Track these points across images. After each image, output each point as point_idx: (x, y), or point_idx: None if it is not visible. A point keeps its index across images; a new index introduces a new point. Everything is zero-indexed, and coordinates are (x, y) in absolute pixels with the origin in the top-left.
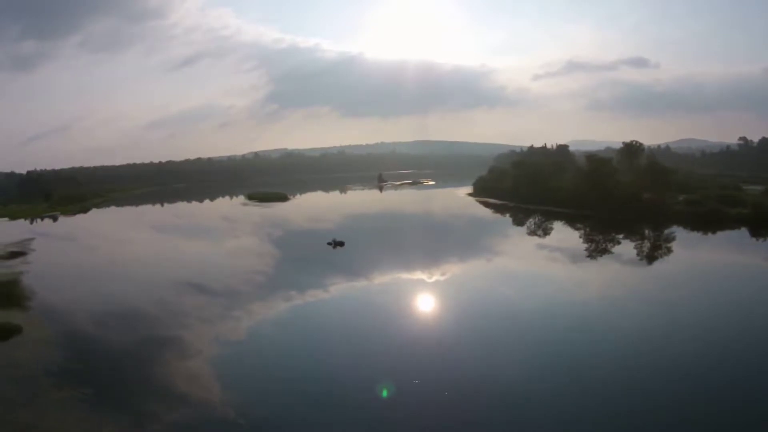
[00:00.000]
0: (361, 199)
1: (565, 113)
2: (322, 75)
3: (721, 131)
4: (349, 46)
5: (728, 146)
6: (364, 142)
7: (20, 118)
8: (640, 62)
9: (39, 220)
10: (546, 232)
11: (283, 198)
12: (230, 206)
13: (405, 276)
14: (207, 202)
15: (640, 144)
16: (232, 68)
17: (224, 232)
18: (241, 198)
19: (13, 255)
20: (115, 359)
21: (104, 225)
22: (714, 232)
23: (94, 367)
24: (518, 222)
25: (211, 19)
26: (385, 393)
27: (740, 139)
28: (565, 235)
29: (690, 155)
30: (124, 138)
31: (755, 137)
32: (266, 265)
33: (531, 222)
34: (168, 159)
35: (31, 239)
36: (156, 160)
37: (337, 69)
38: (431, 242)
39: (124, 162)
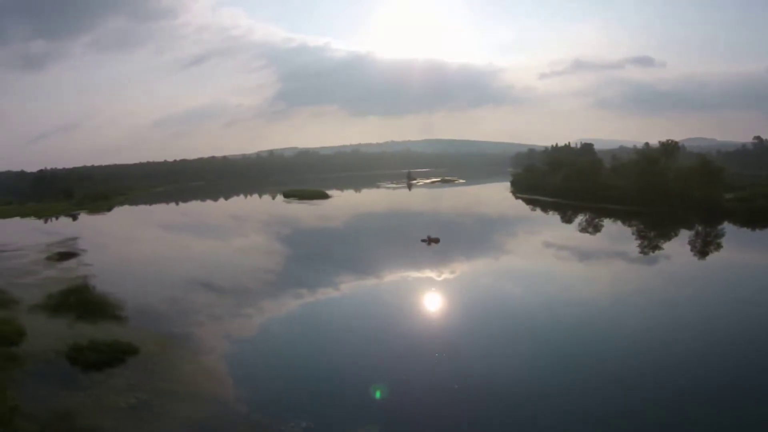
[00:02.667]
0: (402, 197)
1: (571, 112)
2: (330, 74)
3: (726, 130)
4: (358, 45)
5: (743, 145)
6: (374, 141)
7: (27, 117)
8: (645, 61)
9: (53, 219)
10: (641, 233)
11: (323, 195)
12: (272, 204)
13: (535, 268)
14: (241, 199)
15: (676, 143)
16: (241, 67)
17: (302, 232)
18: (278, 196)
19: (64, 256)
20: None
21: (146, 222)
22: None
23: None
24: (590, 220)
25: (222, 18)
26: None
27: (755, 138)
28: (654, 234)
29: (705, 154)
30: (131, 136)
31: (759, 136)
32: (401, 263)
33: (607, 221)
34: (173, 157)
35: (74, 238)
36: (161, 159)
37: (346, 68)
38: (520, 239)
39: (129, 160)
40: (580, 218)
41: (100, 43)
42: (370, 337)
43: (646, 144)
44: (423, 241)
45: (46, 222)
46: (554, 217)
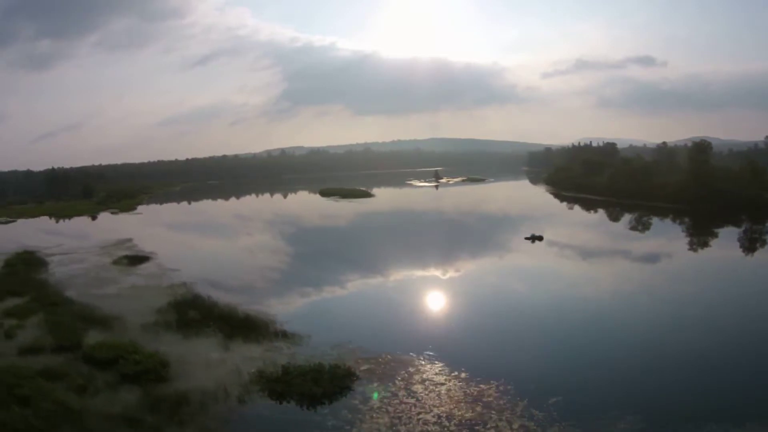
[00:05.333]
0: (445, 195)
1: (574, 111)
2: (336, 73)
3: (730, 129)
4: (363, 44)
5: (756, 144)
6: (380, 140)
7: (33, 117)
8: (647, 61)
9: (66, 219)
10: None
11: (366, 194)
12: (319, 202)
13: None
14: (278, 197)
15: (709, 143)
16: (247, 67)
17: (379, 232)
18: (315, 194)
19: (134, 260)
20: None
21: (192, 221)
22: None
23: None
24: (655, 219)
25: (229, 18)
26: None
27: (767, 137)
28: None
29: (717, 153)
30: (136, 136)
31: (762, 135)
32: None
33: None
34: (178, 156)
35: (128, 239)
36: (166, 158)
37: (351, 67)
38: (620, 236)
39: (134, 159)
40: (647, 217)
41: (107, 42)
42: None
43: (664, 143)
44: (527, 239)
45: (57, 222)
46: (615, 213)
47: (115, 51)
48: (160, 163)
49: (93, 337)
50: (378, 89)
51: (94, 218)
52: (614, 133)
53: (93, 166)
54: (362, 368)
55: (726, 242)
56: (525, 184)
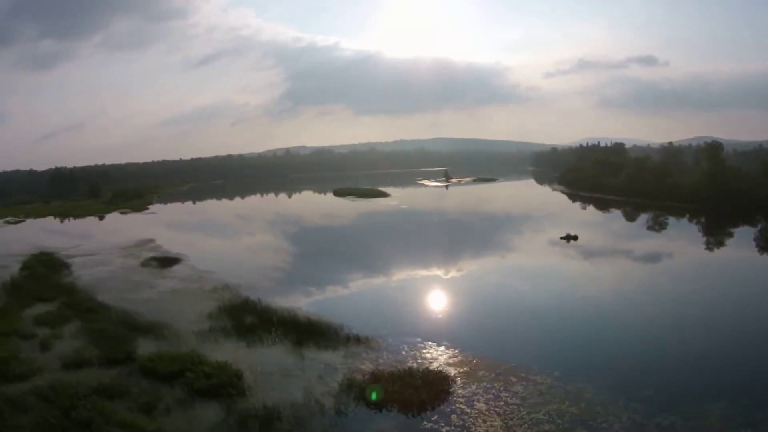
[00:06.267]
0: (460, 195)
1: (576, 110)
2: (338, 73)
3: (732, 129)
4: (367, 44)
5: (761, 144)
6: (383, 140)
7: (35, 117)
8: (649, 60)
9: (78, 218)
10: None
11: (381, 194)
12: (334, 202)
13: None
14: (295, 197)
15: (721, 144)
16: (250, 67)
17: (418, 231)
18: (328, 194)
19: (164, 262)
20: None
21: (211, 221)
22: None
23: None
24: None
25: (233, 18)
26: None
27: None
28: None
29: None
30: (138, 135)
31: (763, 135)
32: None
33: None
34: (179, 156)
35: (150, 240)
36: (167, 157)
37: (354, 67)
38: (649, 234)
39: (136, 159)
40: (673, 217)
41: (110, 42)
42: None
43: (670, 143)
44: (562, 238)
45: (62, 222)
46: (638, 213)
47: (118, 51)
48: (164, 162)
49: (145, 348)
50: (380, 89)
51: (101, 218)
52: (616, 132)
53: (97, 166)
54: (452, 371)
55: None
56: (535, 183)
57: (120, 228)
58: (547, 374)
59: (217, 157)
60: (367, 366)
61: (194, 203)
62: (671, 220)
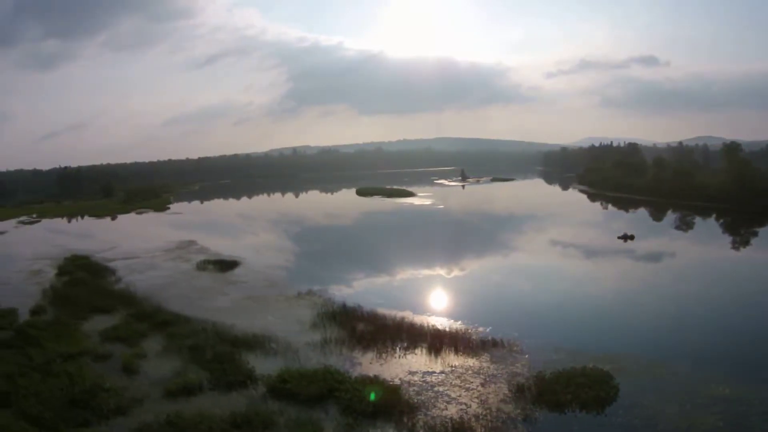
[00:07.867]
0: (485, 194)
1: (578, 110)
2: (342, 73)
3: (734, 129)
4: (370, 44)
5: (767, 145)
6: (386, 139)
7: (38, 116)
8: (650, 60)
9: (79, 218)
10: None
11: (408, 193)
12: (361, 202)
13: None
14: (315, 196)
15: (739, 144)
16: (254, 66)
17: (474, 229)
18: (350, 193)
19: (222, 266)
20: None
21: (240, 221)
22: None
23: None
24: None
25: (237, 18)
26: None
27: None
28: None
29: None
30: (140, 135)
31: (764, 135)
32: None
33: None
34: (182, 156)
35: (192, 242)
36: (169, 157)
37: (357, 67)
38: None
39: (138, 158)
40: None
41: (114, 42)
42: None
43: (680, 143)
44: (620, 238)
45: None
46: (672, 213)
47: (123, 51)
48: (170, 162)
49: (260, 366)
50: (383, 89)
51: (113, 218)
52: (618, 132)
53: (103, 165)
54: (608, 368)
55: None
56: (540, 182)
57: (148, 229)
58: (713, 370)
59: (223, 157)
60: (519, 369)
61: (213, 202)
62: (710, 221)
